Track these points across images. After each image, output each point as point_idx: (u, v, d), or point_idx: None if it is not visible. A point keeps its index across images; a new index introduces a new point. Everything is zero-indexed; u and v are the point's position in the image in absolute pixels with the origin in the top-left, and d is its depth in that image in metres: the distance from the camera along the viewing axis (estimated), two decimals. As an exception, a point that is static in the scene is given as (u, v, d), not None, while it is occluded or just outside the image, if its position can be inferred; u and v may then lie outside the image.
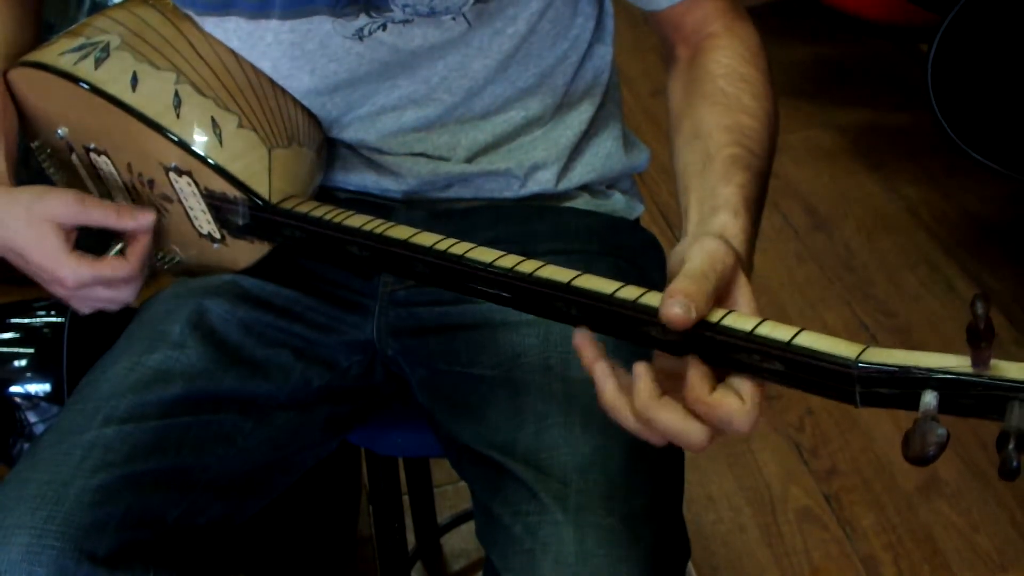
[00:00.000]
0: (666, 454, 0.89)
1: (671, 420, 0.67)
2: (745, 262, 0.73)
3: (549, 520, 0.80)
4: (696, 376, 0.66)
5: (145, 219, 0.94)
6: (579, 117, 1.03)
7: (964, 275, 2.16)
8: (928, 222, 2.33)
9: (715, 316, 0.67)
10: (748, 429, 0.65)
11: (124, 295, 0.95)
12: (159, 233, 1.01)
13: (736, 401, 0.65)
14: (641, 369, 0.67)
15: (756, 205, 0.79)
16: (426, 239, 0.81)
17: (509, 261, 0.76)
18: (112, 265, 0.92)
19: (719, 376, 0.67)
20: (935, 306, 2.10)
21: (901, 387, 0.61)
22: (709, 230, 0.74)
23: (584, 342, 0.71)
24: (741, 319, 0.67)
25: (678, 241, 0.75)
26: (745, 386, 0.66)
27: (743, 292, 0.70)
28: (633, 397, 0.68)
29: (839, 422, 1.85)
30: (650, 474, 0.85)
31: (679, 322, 0.65)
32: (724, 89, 0.86)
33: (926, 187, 2.43)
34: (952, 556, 1.62)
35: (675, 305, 0.65)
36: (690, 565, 0.89)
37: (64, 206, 0.91)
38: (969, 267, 2.19)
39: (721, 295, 0.69)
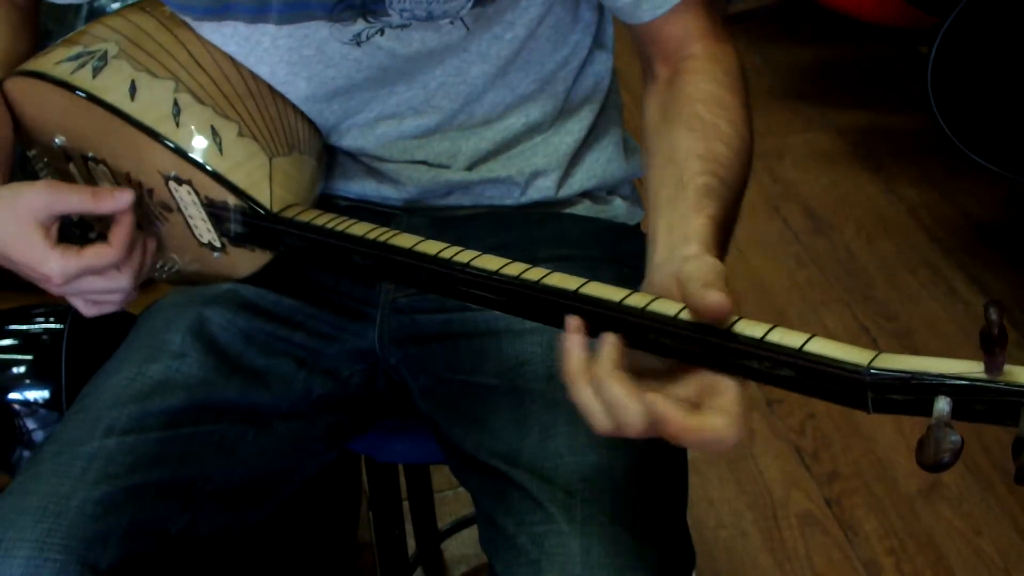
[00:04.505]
0: (670, 462, 0.89)
1: (619, 394, 0.65)
2: None
3: (554, 530, 0.80)
4: (671, 405, 0.64)
5: (123, 198, 0.90)
6: (580, 123, 1.02)
7: (965, 277, 2.16)
8: (928, 224, 2.33)
9: (725, 323, 0.67)
10: (733, 442, 0.64)
11: (120, 283, 0.91)
12: (159, 242, 1.00)
13: (718, 419, 0.64)
14: (611, 337, 0.67)
15: (725, 236, 0.79)
16: (430, 247, 0.80)
17: (515, 269, 0.76)
18: (96, 252, 0.88)
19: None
20: (936, 308, 2.10)
21: (914, 393, 0.60)
22: (685, 255, 0.73)
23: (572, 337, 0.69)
24: (751, 326, 0.66)
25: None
26: (727, 397, 0.65)
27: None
28: (595, 361, 0.66)
29: (840, 426, 1.85)
30: (655, 483, 0.85)
31: (721, 306, 0.64)
32: (701, 115, 0.86)
33: (926, 189, 2.43)
34: (955, 560, 1.62)
35: (713, 293, 0.64)
36: (693, 572, 0.89)
37: (38, 199, 0.88)
38: (969, 269, 2.19)
39: None
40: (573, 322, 0.69)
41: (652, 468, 0.85)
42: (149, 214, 0.98)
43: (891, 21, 2.61)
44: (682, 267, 0.70)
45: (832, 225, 2.36)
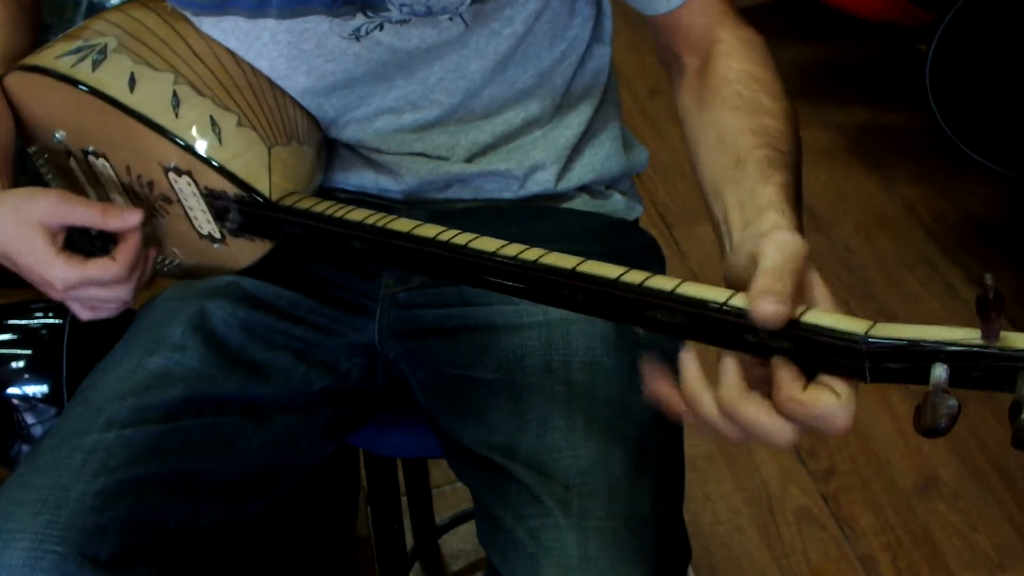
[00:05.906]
0: (667, 456, 0.89)
1: (758, 416, 0.64)
2: None
3: (551, 524, 0.80)
4: (787, 375, 0.64)
5: (132, 219, 0.92)
6: (578, 118, 1.02)
7: (963, 275, 2.16)
8: (927, 222, 2.33)
9: (720, 297, 0.67)
10: (846, 424, 0.63)
11: (119, 294, 0.94)
12: (159, 235, 1.01)
13: (831, 396, 0.62)
14: (730, 362, 0.65)
15: (798, 203, 0.78)
16: (428, 231, 0.81)
17: (513, 249, 0.76)
18: (100, 266, 0.91)
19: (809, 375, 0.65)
20: (934, 306, 2.10)
21: (911, 361, 0.60)
22: (761, 230, 0.72)
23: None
24: (744, 299, 0.66)
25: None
26: (837, 382, 0.63)
27: (818, 285, 0.68)
28: (719, 388, 0.65)
29: (838, 422, 1.85)
30: (652, 477, 0.85)
31: (776, 319, 0.63)
32: (741, 93, 0.85)
33: (925, 187, 2.43)
34: (951, 556, 1.63)
35: (768, 303, 0.63)
36: (689, 567, 0.90)
37: (49, 207, 0.90)
38: (968, 267, 2.19)
39: (799, 288, 0.67)
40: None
41: (649, 463, 0.85)
42: (150, 207, 0.98)
43: (891, 18, 2.61)
44: (757, 244, 0.69)
45: (831, 223, 2.36)
